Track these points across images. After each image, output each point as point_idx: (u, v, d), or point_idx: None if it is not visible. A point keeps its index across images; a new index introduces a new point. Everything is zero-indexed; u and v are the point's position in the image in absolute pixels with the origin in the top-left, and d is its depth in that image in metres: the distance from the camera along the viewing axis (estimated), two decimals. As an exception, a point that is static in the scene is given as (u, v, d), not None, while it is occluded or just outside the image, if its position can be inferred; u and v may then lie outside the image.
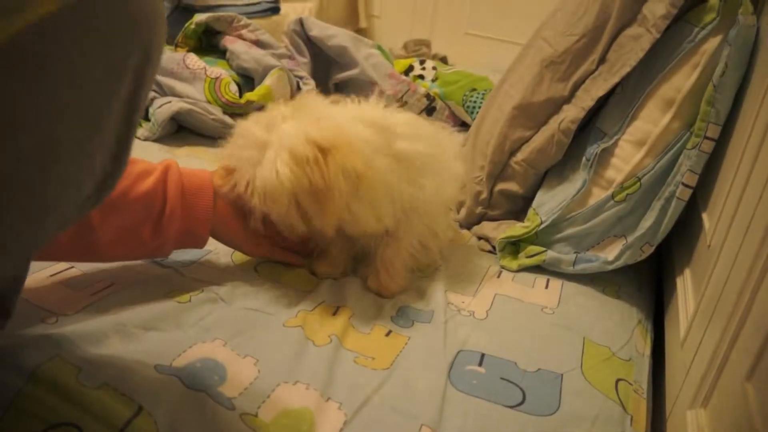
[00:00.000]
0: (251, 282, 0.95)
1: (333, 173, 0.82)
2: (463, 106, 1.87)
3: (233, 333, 0.82)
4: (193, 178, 0.90)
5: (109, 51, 0.42)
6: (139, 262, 0.94)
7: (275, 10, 2.69)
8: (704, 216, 1.01)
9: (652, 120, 1.07)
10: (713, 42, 1.01)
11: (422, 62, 2.12)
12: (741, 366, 0.62)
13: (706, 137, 1.00)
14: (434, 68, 2.07)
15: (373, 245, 0.99)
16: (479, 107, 1.72)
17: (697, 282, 0.93)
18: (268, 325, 0.85)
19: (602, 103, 1.16)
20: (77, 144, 0.43)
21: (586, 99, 1.15)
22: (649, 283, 1.19)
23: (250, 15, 2.51)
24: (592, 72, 1.16)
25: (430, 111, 1.87)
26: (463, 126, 1.88)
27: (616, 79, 1.11)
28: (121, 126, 0.46)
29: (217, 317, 0.85)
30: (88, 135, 0.43)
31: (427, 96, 1.87)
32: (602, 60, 1.15)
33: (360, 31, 2.79)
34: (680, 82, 1.04)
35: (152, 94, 1.61)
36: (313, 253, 1.03)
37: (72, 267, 0.90)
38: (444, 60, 2.50)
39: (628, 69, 1.10)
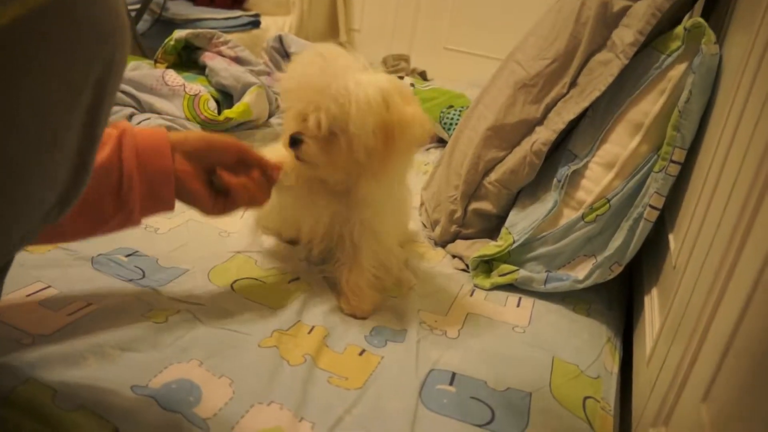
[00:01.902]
0: (227, 301, 0.97)
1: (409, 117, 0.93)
2: (440, 122, 1.90)
3: (209, 353, 0.83)
4: (149, 139, 0.84)
5: (68, 63, 0.40)
6: (116, 282, 0.95)
7: (255, 24, 2.72)
8: (671, 237, 1.04)
9: (621, 143, 1.10)
10: (679, 69, 1.05)
11: (400, 78, 2.15)
12: (699, 387, 0.64)
13: (672, 161, 1.03)
14: (412, 85, 2.10)
15: (338, 267, 1.05)
16: (456, 124, 1.75)
17: (663, 301, 0.96)
18: (243, 345, 0.87)
19: (573, 125, 1.19)
20: (35, 158, 0.42)
21: (558, 122, 1.18)
22: (620, 300, 1.22)
23: (231, 29, 2.53)
24: (564, 95, 1.19)
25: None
26: (441, 142, 1.91)
27: (586, 103, 1.14)
28: (82, 139, 0.45)
29: (193, 337, 0.86)
30: (46, 148, 0.42)
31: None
32: (573, 84, 1.18)
33: (340, 46, 2.82)
34: (648, 107, 1.07)
35: (131, 110, 1.62)
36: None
37: (49, 287, 0.91)
38: (423, 75, 2.53)
39: (597, 93, 1.13)
